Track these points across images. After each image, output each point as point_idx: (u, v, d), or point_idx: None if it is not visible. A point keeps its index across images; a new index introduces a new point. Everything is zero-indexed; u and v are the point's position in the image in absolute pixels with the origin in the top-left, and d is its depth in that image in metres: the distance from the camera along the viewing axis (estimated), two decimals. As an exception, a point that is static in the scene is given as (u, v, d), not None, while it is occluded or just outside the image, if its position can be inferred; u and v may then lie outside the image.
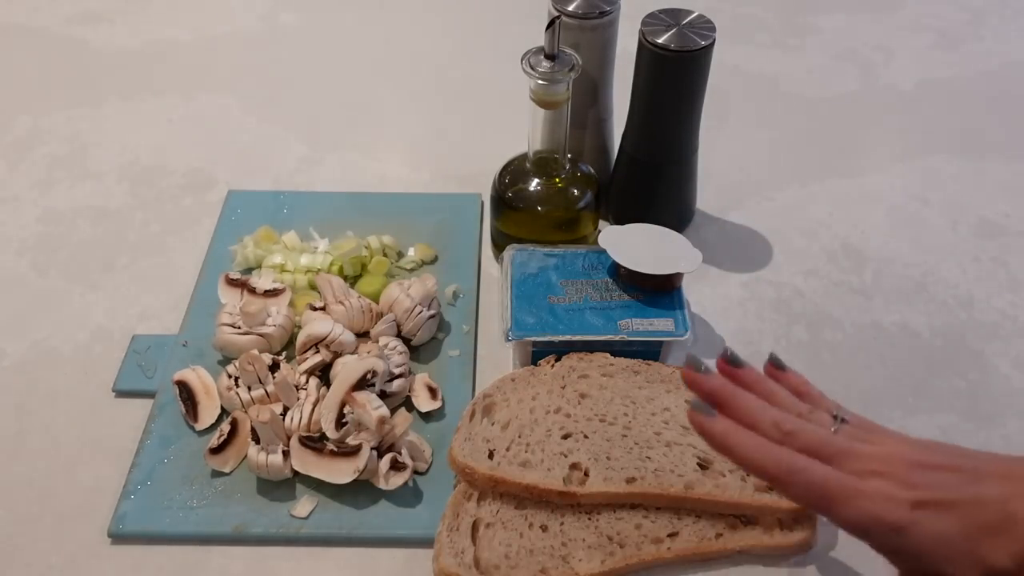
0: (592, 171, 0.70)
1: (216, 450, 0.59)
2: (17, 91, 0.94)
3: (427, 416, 0.62)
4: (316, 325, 0.63)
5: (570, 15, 0.64)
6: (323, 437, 0.58)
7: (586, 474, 0.55)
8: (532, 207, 0.69)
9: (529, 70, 0.61)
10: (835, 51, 0.99)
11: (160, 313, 0.70)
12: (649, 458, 0.56)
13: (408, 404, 0.63)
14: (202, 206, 0.80)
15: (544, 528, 0.54)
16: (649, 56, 0.63)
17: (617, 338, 0.61)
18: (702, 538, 0.54)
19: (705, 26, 0.63)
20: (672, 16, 0.64)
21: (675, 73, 0.64)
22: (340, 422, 0.58)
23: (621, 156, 0.72)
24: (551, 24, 0.60)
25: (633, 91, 0.68)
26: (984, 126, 0.89)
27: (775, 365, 0.49)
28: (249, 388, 0.61)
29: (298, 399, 0.60)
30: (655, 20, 0.64)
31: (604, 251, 0.64)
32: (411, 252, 0.73)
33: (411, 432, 0.60)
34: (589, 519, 0.55)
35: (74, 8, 1.05)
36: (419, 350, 0.67)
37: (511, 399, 0.60)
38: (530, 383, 0.61)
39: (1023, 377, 0.66)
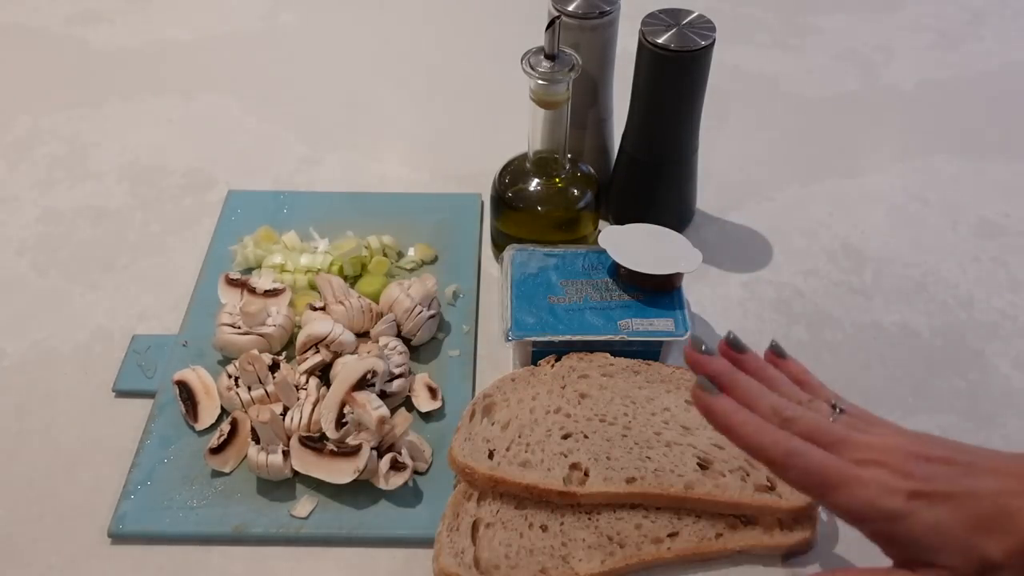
0: (592, 171, 0.70)
1: (216, 450, 0.59)
2: (17, 91, 0.94)
3: (427, 416, 0.62)
4: (316, 325, 0.63)
5: (570, 15, 0.64)
6: (323, 437, 0.58)
7: (586, 474, 0.55)
8: (532, 207, 0.69)
9: (529, 70, 0.61)
10: (835, 51, 0.99)
11: (160, 313, 0.70)
12: (649, 458, 0.56)
13: (408, 404, 0.63)
14: (202, 206, 0.80)
15: (544, 528, 0.54)
16: (649, 56, 0.64)
17: (617, 338, 0.61)
18: (702, 538, 0.54)
19: (705, 26, 0.63)
20: (672, 16, 0.64)
21: (675, 73, 0.64)
22: (340, 422, 0.58)
23: (621, 156, 0.72)
24: (551, 24, 0.60)
25: (633, 91, 0.68)
26: (984, 126, 0.89)
27: (776, 353, 0.49)
28: (249, 388, 0.61)
29: (298, 399, 0.60)
30: (655, 20, 0.64)
31: (604, 251, 0.64)
32: (411, 252, 0.73)
33: (411, 432, 0.60)
34: (589, 519, 0.55)
35: (74, 8, 1.05)
36: (419, 350, 0.67)
37: (511, 399, 0.60)
38: (530, 383, 0.61)
39: (1023, 377, 0.66)
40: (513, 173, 0.69)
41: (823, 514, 0.56)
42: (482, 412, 0.59)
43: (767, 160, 0.85)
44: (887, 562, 0.43)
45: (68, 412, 0.64)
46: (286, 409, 0.60)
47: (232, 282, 0.69)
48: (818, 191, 0.81)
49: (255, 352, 0.61)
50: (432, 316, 0.66)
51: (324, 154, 0.86)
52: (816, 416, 0.44)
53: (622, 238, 0.65)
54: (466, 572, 0.52)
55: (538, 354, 0.62)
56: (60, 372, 0.66)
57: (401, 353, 0.63)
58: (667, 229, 0.66)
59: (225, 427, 0.59)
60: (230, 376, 0.62)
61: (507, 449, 0.56)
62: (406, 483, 0.57)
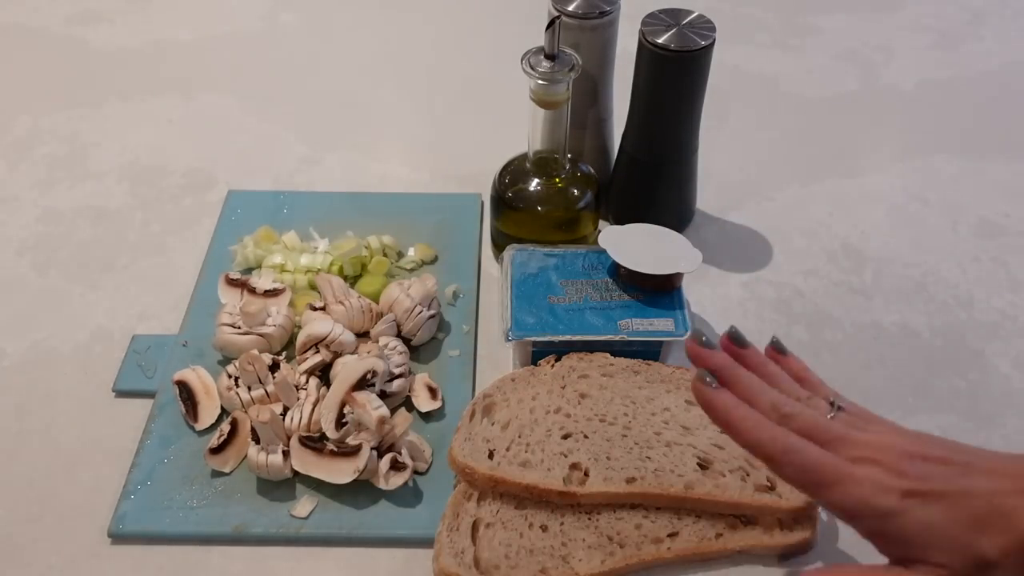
0: (592, 171, 0.70)
1: (216, 450, 0.59)
2: (17, 91, 0.94)
3: (427, 416, 0.62)
4: (316, 325, 0.63)
5: (570, 15, 0.64)
6: (323, 437, 0.58)
7: (586, 474, 0.55)
8: (532, 207, 0.69)
9: (529, 70, 0.61)
10: (835, 51, 0.99)
11: (160, 313, 0.70)
12: (649, 458, 0.56)
13: (408, 404, 0.63)
14: (202, 206, 0.80)
15: (544, 528, 0.54)
16: (649, 56, 0.64)
17: (617, 338, 0.61)
18: (702, 538, 0.54)
19: (705, 26, 0.63)
20: (672, 16, 0.64)
21: (675, 73, 0.64)
22: (340, 422, 0.58)
23: (621, 156, 0.72)
24: (551, 24, 0.60)
25: (633, 91, 0.68)
26: (984, 126, 0.89)
27: (777, 349, 0.50)
28: (249, 388, 0.61)
29: (298, 399, 0.60)
30: (655, 20, 0.64)
31: (604, 251, 0.64)
32: (411, 252, 0.73)
33: (411, 432, 0.60)
34: (589, 519, 0.55)
35: (74, 8, 1.05)
36: (419, 350, 0.67)
37: (511, 399, 0.60)
38: (530, 383, 0.61)
39: (1023, 377, 0.66)
40: (513, 173, 0.69)
41: (823, 514, 0.56)
42: (482, 412, 0.59)
43: (767, 160, 0.85)
44: (885, 561, 0.43)
45: (68, 412, 0.64)
46: (286, 409, 0.60)
47: (232, 282, 0.69)
48: (818, 191, 0.81)
49: (255, 352, 0.61)
50: (432, 316, 0.66)
51: (324, 154, 0.86)
52: (814, 413, 0.44)
53: (622, 238, 0.65)
54: (466, 572, 0.52)
55: (538, 354, 0.62)
56: (60, 372, 0.66)
57: (401, 353, 0.63)
58: (667, 229, 0.66)
59: (225, 427, 0.59)
60: (230, 376, 0.62)
61: (507, 449, 0.56)
62: (406, 483, 0.57)
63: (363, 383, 0.59)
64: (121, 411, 0.63)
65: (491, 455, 0.56)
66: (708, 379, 0.45)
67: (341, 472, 0.56)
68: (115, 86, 0.94)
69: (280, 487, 0.58)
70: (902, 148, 0.87)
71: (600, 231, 0.67)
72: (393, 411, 0.61)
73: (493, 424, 0.58)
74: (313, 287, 0.70)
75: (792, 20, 1.03)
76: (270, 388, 0.61)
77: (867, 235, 0.77)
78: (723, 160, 0.82)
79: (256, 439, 0.57)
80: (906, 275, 0.74)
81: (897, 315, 0.70)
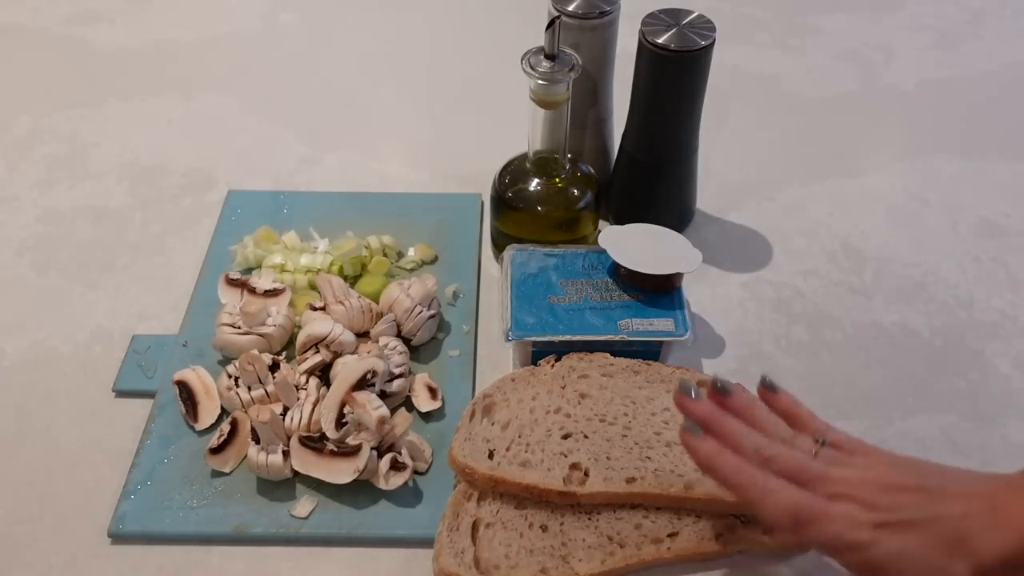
0: (592, 171, 0.70)
1: (216, 450, 0.59)
2: (17, 91, 0.94)
3: (427, 416, 0.62)
4: (316, 325, 0.63)
5: (570, 15, 0.65)
6: (323, 437, 0.58)
7: (586, 474, 0.55)
8: (532, 207, 0.69)
9: (529, 70, 0.61)
10: (835, 51, 0.99)
11: (160, 313, 0.70)
12: (649, 458, 0.56)
13: (408, 404, 0.63)
14: (202, 206, 0.80)
15: (544, 528, 0.54)
16: (649, 56, 0.64)
17: (617, 338, 0.61)
18: (702, 538, 0.54)
19: (705, 26, 0.63)
20: (672, 16, 0.64)
21: (675, 73, 0.64)
22: (340, 422, 0.58)
23: (621, 156, 0.72)
24: (551, 24, 0.60)
25: (633, 91, 0.68)
26: (984, 126, 0.89)
27: (767, 387, 0.52)
28: (249, 388, 0.61)
29: (298, 399, 0.60)
30: (655, 20, 0.64)
31: (604, 251, 0.64)
32: (411, 252, 0.73)
33: (411, 432, 0.60)
34: (589, 519, 0.55)
35: (74, 8, 1.05)
36: (419, 350, 0.67)
37: (511, 399, 0.60)
38: (530, 383, 0.61)
39: (1023, 377, 0.66)
40: (513, 173, 0.69)
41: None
42: (482, 412, 0.59)
43: (767, 160, 0.85)
44: None
45: (68, 412, 0.64)
46: (286, 409, 0.60)
47: (232, 282, 0.69)
48: (818, 191, 0.81)
49: (255, 352, 0.61)
50: (432, 316, 0.66)
51: (324, 154, 0.86)
52: (795, 454, 0.47)
53: (622, 238, 0.65)
54: (466, 572, 0.52)
55: (538, 354, 0.62)
56: (60, 372, 0.66)
57: (401, 353, 0.63)
58: (667, 229, 0.66)
59: (225, 427, 0.59)
60: (230, 376, 0.62)
61: (507, 449, 0.56)
62: (406, 483, 0.57)
63: (363, 383, 0.59)
64: (121, 411, 0.63)
65: (491, 455, 0.56)
66: (694, 429, 0.48)
67: (341, 472, 0.56)
68: (115, 86, 0.94)
69: (280, 487, 0.58)
70: (902, 148, 0.87)
71: (600, 231, 0.67)
72: (393, 411, 0.61)
73: (493, 424, 0.58)
74: (313, 287, 0.70)
75: (792, 20, 1.03)
76: (270, 388, 0.61)
77: (867, 235, 0.77)
78: (723, 160, 0.82)
79: (256, 439, 0.57)
80: (906, 275, 0.74)
81: (897, 315, 0.70)
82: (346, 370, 0.59)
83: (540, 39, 0.61)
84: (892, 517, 0.43)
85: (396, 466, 0.57)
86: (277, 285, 0.68)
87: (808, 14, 1.04)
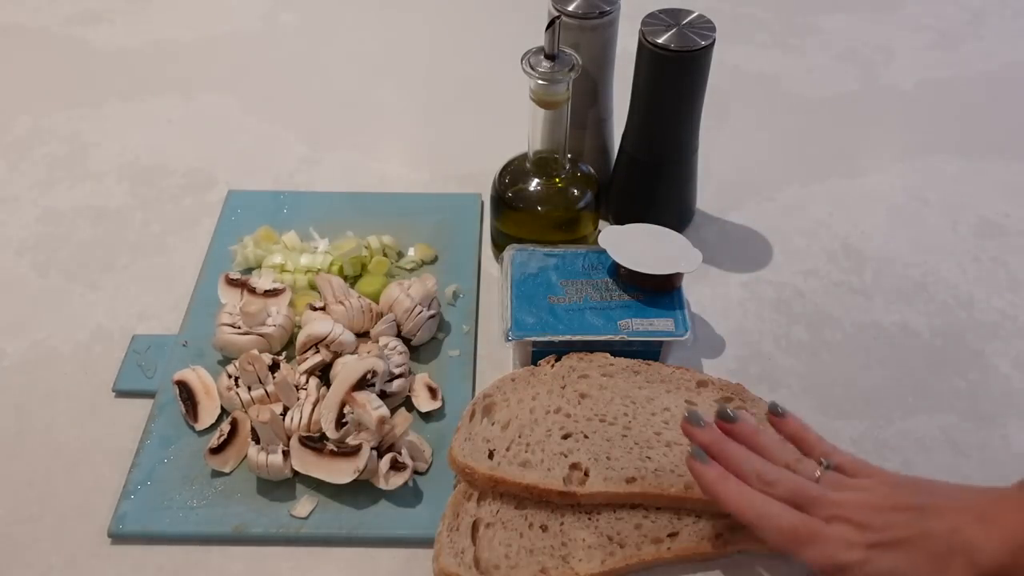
0: (592, 171, 0.70)
1: (216, 450, 0.59)
2: (17, 91, 0.94)
3: (427, 416, 0.62)
4: (316, 325, 0.63)
5: (570, 15, 0.64)
6: (323, 437, 0.58)
7: (586, 474, 0.55)
8: (532, 207, 0.69)
9: (529, 70, 0.61)
10: (835, 51, 0.99)
11: (160, 313, 0.70)
12: (649, 458, 0.56)
13: (408, 404, 0.63)
14: (202, 206, 0.80)
15: (544, 528, 0.54)
16: (649, 56, 0.64)
17: (617, 338, 0.61)
18: (702, 538, 0.54)
19: (705, 26, 0.63)
20: (672, 16, 0.64)
21: (675, 73, 0.64)
22: (340, 422, 0.58)
23: (621, 156, 0.72)
24: (551, 24, 0.60)
25: (633, 91, 0.68)
26: (984, 126, 0.89)
27: (774, 413, 0.54)
28: (249, 388, 0.61)
29: (298, 399, 0.60)
30: (655, 20, 0.64)
31: (604, 251, 0.64)
32: (411, 252, 0.73)
33: (411, 432, 0.60)
34: (589, 519, 0.55)
35: (74, 8, 1.05)
36: (419, 350, 0.67)
37: (511, 399, 0.60)
38: (530, 383, 0.61)
39: (1023, 377, 0.66)
40: (513, 173, 0.69)
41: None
42: (482, 412, 0.59)
43: (767, 160, 0.85)
44: None
45: (68, 412, 0.64)
46: (286, 409, 0.60)
47: (232, 282, 0.69)
48: (818, 191, 0.81)
49: (255, 352, 0.61)
50: (432, 316, 0.66)
51: (324, 154, 0.86)
52: (795, 478, 0.48)
53: (622, 238, 0.65)
54: (466, 572, 0.52)
55: (538, 354, 0.62)
56: (60, 372, 0.66)
57: (401, 353, 0.63)
58: (667, 229, 0.66)
59: (225, 427, 0.59)
60: (230, 376, 0.62)
61: (507, 449, 0.56)
62: (406, 483, 0.57)
63: (363, 383, 0.59)
64: (121, 411, 0.63)
65: (491, 455, 0.56)
66: (699, 455, 0.50)
67: (341, 472, 0.56)
68: (115, 86, 0.94)
69: (280, 487, 0.58)
70: (902, 148, 0.87)
71: (600, 231, 0.67)
72: (393, 411, 0.61)
73: (493, 424, 0.58)
74: (313, 287, 0.70)
75: (792, 20, 1.03)
76: (270, 388, 0.61)
77: (867, 235, 0.77)
78: (723, 160, 0.82)
79: (256, 439, 0.57)
80: (906, 275, 0.74)
81: (897, 315, 0.70)
82: (346, 370, 0.59)
83: (540, 39, 0.61)
84: (884, 536, 0.45)
85: (396, 466, 0.57)
86: (277, 285, 0.68)
87: (808, 14, 1.04)
